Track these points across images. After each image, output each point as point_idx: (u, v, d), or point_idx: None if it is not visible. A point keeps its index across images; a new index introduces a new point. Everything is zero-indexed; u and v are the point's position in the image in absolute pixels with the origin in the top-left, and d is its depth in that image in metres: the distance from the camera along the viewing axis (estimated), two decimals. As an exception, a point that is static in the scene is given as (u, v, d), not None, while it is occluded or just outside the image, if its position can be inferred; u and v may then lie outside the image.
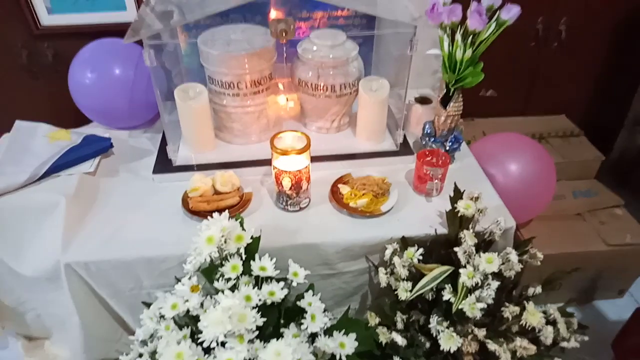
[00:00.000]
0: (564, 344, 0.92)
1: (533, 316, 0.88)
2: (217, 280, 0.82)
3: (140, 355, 0.87)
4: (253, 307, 0.79)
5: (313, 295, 0.88)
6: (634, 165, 1.65)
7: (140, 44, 0.98)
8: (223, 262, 0.83)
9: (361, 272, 1.05)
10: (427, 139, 1.17)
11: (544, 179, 1.19)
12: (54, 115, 1.28)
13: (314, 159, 1.05)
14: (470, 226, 0.96)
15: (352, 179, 1.11)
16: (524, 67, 1.65)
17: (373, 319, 0.96)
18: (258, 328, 0.79)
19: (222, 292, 0.80)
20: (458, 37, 1.00)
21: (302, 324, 0.83)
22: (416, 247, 0.95)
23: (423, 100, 1.31)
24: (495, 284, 0.89)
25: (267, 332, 0.83)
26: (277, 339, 0.78)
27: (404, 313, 0.95)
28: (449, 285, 0.91)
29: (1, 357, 1.23)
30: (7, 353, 1.22)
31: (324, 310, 0.86)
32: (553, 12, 1.52)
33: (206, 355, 0.78)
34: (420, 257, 0.94)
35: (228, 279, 0.82)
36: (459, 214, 0.95)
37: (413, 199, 1.09)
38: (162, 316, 0.84)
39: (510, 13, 0.97)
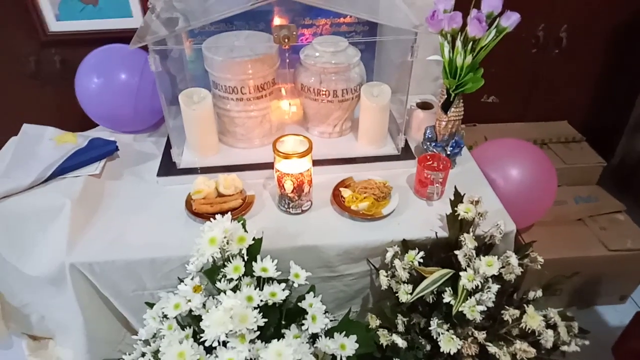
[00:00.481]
0: (565, 348, 0.92)
1: (533, 319, 0.89)
2: (219, 280, 0.83)
3: (143, 355, 0.88)
4: (254, 308, 0.80)
5: (314, 296, 0.89)
6: (636, 171, 1.66)
7: (145, 49, 1.00)
8: (225, 263, 0.84)
9: (362, 274, 1.06)
10: (428, 143, 1.18)
11: (544, 184, 1.20)
12: (61, 120, 1.30)
13: (316, 163, 1.06)
14: (471, 230, 0.97)
15: (353, 183, 1.12)
16: (526, 74, 1.66)
17: (374, 321, 0.97)
18: (259, 328, 0.80)
19: (224, 292, 0.81)
20: (458, 43, 1.01)
21: (303, 324, 0.84)
22: (417, 250, 0.96)
23: (424, 106, 1.32)
24: (495, 287, 0.89)
25: (269, 333, 0.84)
26: (278, 340, 0.79)
27: (405, 316, 0.96)
28: (450, 288, 0.92)
29: (5, 357, 1.24)
30: (11, 352, 1.23)
31: (325, 312, 0.87)
32: (554, 19, 1.54)
33: (208, 355, 0.79)
34: (421, 260, 0.95)
35: (230, 280, 0.83)
36: (460, 218, 0.96)
37: (414, 203, 1.10)
38: (165, 316, 0.85)
39: (510, 20, 0.99)
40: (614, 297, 1.45)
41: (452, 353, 0.88)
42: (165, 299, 0.86)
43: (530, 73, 1.66)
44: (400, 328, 0.95)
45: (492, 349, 0.88)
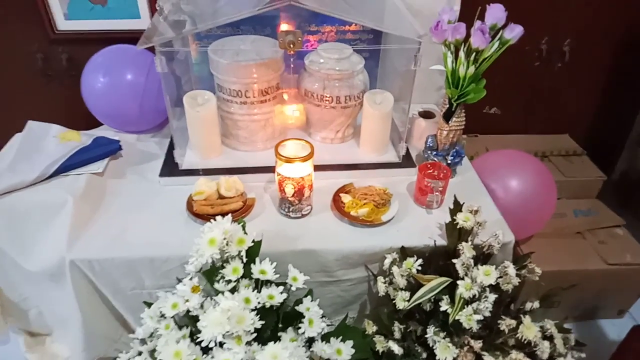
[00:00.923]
0: (560, 360, 0.93)
1: (529, 330, 0.89)
2: (218, 281, 0.84)
3: (140, 354, 0.88)
4: (252, 310, 0.80)
5: (311, 300, 0.89)
6: (636, 186, 1.66)
7: (152, 50, 1.02)
8: (224, 265, 0.85)
9: (360, 280, 1.06)
10: (429, 152, 1.19)
11: (544, 196, 1.21)
12: (67, 118, 1.31)
13: (317, 168, 1.07)
14: (469, 239, 0.98)
15: (354, 189, 1.13)
16: (529, 86, 1.67)
17: (370, 327, 0.97)
18: (256, 331, 0.80)
19: (222, 293, 0.81)
20: (462, 54, 1.02)
21: (299, 328, 0.84)
22: (415, 258, 0.97)
23: (426, 115, 1.33)
24: (492, 297, 0.89)
25: (265, 335, 0.84)
26: (275, 342, 0.79)
27: (402, 323, 0.96)
28: (447, 296, 0.92)
29: (2, 352, 1.24)
30: (8, 348, 1.23)
31: (322, 316, 0.88)
32: (557, 33, 1.55)
33: (204, 355, 0.80)
34: (419, 268, 0.96)
35: (228, 281, 0.83)
36: (458, 226, 0.96)
37: (413, 211, 1.11)
38: (162, 315, 0.85)
39: (514, 32, 1.00)
40: (612, 311, 1.44)
41: (447, 361, 0.88)
42: (164, 298, 0.86)
43: (533, 86, 1.67)
44: (397, 335, 0.95)
45: (488, 358, 0.88)
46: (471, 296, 0.89)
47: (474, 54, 1.01)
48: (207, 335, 0.76)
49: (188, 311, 0.83)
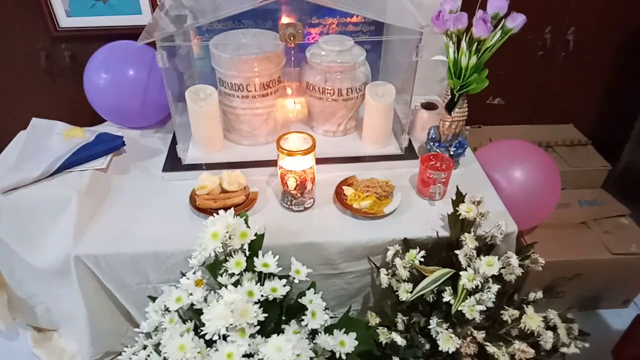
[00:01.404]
0: (564, 350, 0.92)
1: (532, 320, 0.89)
2: (221, 275, 0.84)
3: (145, 348, 0.89)
4: (255, 303, 0.81)
5: (314, 293, 0.89)
6: (641, 176, 1.65)
7: (154, 46, 1.02)
8: (227, 258, 0.85)
9: (363, 273, 1.07)
10: (431, 143, 1.18)
11: (548, 187, 1.20)
12: (71, 115, 1.32)
13: (320, 161, 1.07)
14: (472, 230, 0.97)
15: (356, 181, 1.13)
16: (532, 77, 1.66)
17: (373, 319, 0.98)
18: (260, 323, 0.81)
19: (226, 287, 0.82)
20: (463, 44, 1.02)
21: (302, 320, 0.85)
22: (418, 249, 0.97)
23: (429, 106, 1.32)
24: (495, 288, 0.89)
25: (269, 328, 0.85)
26: (278, 335, 0.80)
27: (405, 314, 0.96)
28: (450, 287, 0.92)
29: (11, 348, 1.26)
30: (16, 344, 1.25)
31: (325, 309, 0.88)
32: (561, 22, 1.54)
33: (208, 349, 0.80)
34: (422, 259, 0.96)
35: (231, 275, 0.84)
36: (461, 217, 0.96)
37: (416, 202, 1.11)
38: (167, 309, 0.86)
39: (516, 22, 0.99)
40: (617, 301, 1.44)
41: (450, 352, 0.88)
42: (168, 292, 0.87)
43: (536, 76, 1.66)
44: (400, 327, 0.96)
45: (490, 348, 0.88)
46: (474, 287, 0.89)
47: (476, 43, 1.01)
48: (211, 328, 0.77)
49: (192, 305, 0.84)
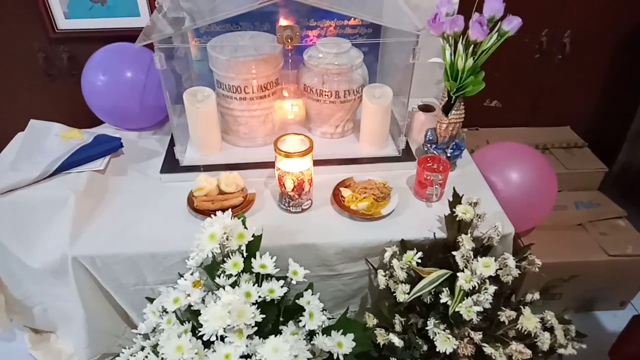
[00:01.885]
0: (561, 351, 0.93)
1: (529, 321, 0.89)
2: (219, 276, 0.84)
3: (142, 349, 0.89)
4: (253, 304, 0.81)
5: (312, 294, 0.89)
6: (637, 178, 1.65)
7: (152, 48, 1.02)
8: (225, 259, 0.85)
9: (361, 274, 1.07)
10: (428, 145, 1.19)
11: (544, 188, 1.21)
12: (69, 116, 1.32)
13: (317, 162, 1.08)
14: (469, 231, 0.98)
15: (354, 183, 1.13)
16: (529, 79, 1.67)
17: (371, 320, 0.98)
18: (257, 324, 0.81)
19: (223, 288, 0.82)
20: (460, 46, 1.02)
21: (300, 321, 0.85)
22: (415, 251, 0.97)
23: (426, 108, 1.33)
24: (492, 289, 0.90)
25: (266, 329, 0.85)
26: (276, 336, 0.80)
27: (402, 315, 0.97)
28: (447, 288, 0.92)
29: (8, 349, 1.26)
30: (13, 345, 1.25)
31: (323, 310, 0.88)
32: (557, 25, 1.54)
33: (206, 349, 0.80)
34: (419, 261, 0.96)
35: (229, 276, 0.84)
36: (458, 219, 0.96)
37: (413, 204, 1.11)
38: (164, 310, 0.86)
39: (512, 24, 1.00)
40: (614, 302, 1.44)
41: (448, 353, 0.88)
42: (165, 293, 0.87)
43: (533, 78, 1.66)
44: (398, 328, 0.96)
45: (488, 349, 0.88)
46: (471, 288, 0.89)
47: (472, 46, 1.01)
48: (208, 329, 0.77)
49: (190, 306, 0.84)
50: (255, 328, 0.81)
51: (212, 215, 0.87)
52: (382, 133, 1.23)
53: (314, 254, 1.01)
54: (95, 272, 1.00)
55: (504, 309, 0.91)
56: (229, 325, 0.77)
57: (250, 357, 0.78)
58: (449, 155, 1.17)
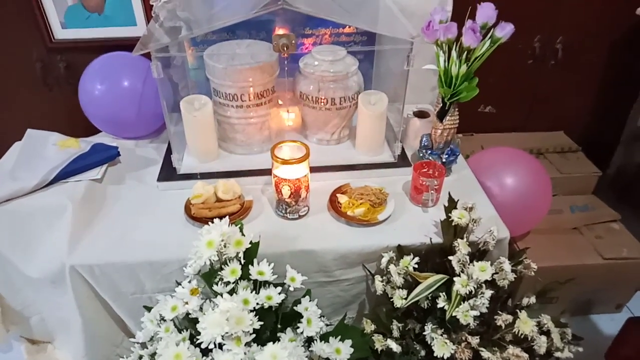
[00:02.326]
0: (558, 354, 0.93)
1: (525, 324, 0.90)
2: (216, 283, 0.84)
3: (140, 357, 0.89)
4: (251, 311, 0.81)
5: (310, 300, 0.90)
6: (631, 181, 1.67)
7: (148, 57, 1.03)
8: (222, 267, 0.85)
9: (358, 280, 1.07)
10: (424, 151, 1.20)
11: (539, 193, 1.22)
12: (66, 125, 1.32)
13: (314, 169, 1.08)
14: (465, 236, 0.98)
15: (350, 189, 1.14)
16: (523, 85, 1.68)
17: (369, 326, 0.98)
18: (255, 331, 0.81)
19: (221, 295, 0.82)
20: (454, 53, 1.04)
21: (298, 328, 0.85)
22: (412, 256, 0.97)
23: (421, 114, 1.34)
24: (488, 293, 0.90)
25: (264, 336, 0.85)
26: (274, 343, 0.80)
27: (400, 321, 0.97)
28: (444, 293, 0.93)
29: (4, 360, 1.25)
30: (10, 356, 1.24)
31: (321, 316, 0.88)
32: (550, 32, 1.57)
33: (204, 357, 0.80)
34: (416, 266, 0.96)
35: (227, 283, 0.84)
36: (453, 223, 0.97)
37: (410, 209, 1.12)
38: (162, 318, 0.86)
39: (504, 31, 1.01)
40: (609, 305, 1.45)
41: (445, 358, 0.88)
42: (163, 301, 0.87)
43: (527, 84, 1.68)
44: (395, 333, 0.96)
45: (485, 354, 0.89)
46: (468, 292, 0.90)
47: (466, 52, 1.03)
48: (206, 336, 0.77)
49: (187, 314, 0.84)
50: (253, 335, 0.81)
51: (210, 223, 0.87)
52: (377, 139, 1.24)
53: (312, 260, 1.02)
54: (93, 281, 1.00)
55: (500, 313, 0.91)
56: (227, 333, 0.77)
57: (248, 364, 0.78)
58: (444, 160, 1.18)
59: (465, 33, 1.00)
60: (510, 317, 0.90)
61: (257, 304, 0.82)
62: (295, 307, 0.88)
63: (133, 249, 1.00)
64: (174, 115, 1.20)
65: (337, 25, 1.31)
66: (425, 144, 1.20)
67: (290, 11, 0.98)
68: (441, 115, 1.14)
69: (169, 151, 1.23)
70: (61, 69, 1.47)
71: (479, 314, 0.89)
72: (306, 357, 0.82)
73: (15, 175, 1.10)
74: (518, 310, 0.93)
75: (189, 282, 0.87)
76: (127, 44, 1.25)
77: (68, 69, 1.47)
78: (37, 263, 1.01)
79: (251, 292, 0.84)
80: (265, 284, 0.86)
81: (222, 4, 1.24)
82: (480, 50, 1.03)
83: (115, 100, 1.25)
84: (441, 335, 0.90)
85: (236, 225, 0.90)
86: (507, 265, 0.92)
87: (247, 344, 0.80)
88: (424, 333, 0.93)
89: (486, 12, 1.01)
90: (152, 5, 1.27)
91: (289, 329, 0.87)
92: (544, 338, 0.91)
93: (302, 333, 0.84)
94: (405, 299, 0.94)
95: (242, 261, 0.86)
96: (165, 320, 0.86)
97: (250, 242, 0.89)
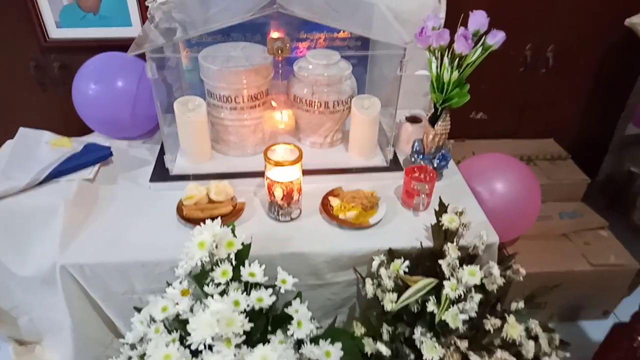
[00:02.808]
0: (546, 359, 0.94)
1: (514, 329, 0.91)
2: (207, 285, 0.84)
3: (130, 358, 0.88)
4: (241, 312, 0.81)
5: (300, 303, 0.90)
6: (620, 189, 1.69)
7: (143, 58, 1.03)
8: (214, 268, 0.86)
9: (349, 283, 1.08)
10: (416, 155, 1.21)
11: (528, 198, 1.23)
12: (60, 125, 1.32)
13: (307, 172, 1.09)
14: (455, 240, 0.99)
15: (342, 192, 1.14)
16: (514, 92, 1.70)
17: (359, 329, 0.98)
18: (245, 333, 0.81)
19: (212, 296, 0.82)
20: (446, 59, 1.05)
21: (288, 330, 0.85)
22: (402, 259, 0.98)
23: (413, 119, 1.35)
24: (478, 297, 0.91)
25: (255, 338, 0.85)
26: (264, 345, 0.80)
27: (390, 324, 0.97)
28: (434, 297, 0.93)
29: (-9, 360, 1.24)
30: (-3, 356, 1.23)
31: (312, 319, 0.89)
32: (541, 39, 1.59)
33: (194, 358, 0.80)
34: (406, 270, 0.97)
35: (218, 284, 0.84)
36: (444, 228, 0.98)
37: (401, 213, 1.12)
38: (152, 319, 0.86)
39: (496, 38, 1.03)
40: (597, 312, 1.47)
41: (434, 361, 0.89)
42: (154, 302, 0.87)
43: (518, 91, 1.70)
44: (385, 337, 0.96)
45: (474, 357, 0.89)
46: (457, 296, 0.90)
47: (458, 59, 1.04)
48: (196, 337, 0.77)
49: (178, 315, 0.84)
50: (244, 337, 0.81)
51: (202, 224, 0.87)
52: (370, 143, 1.25)
53: (303, 263, 1.02)
54: (83, 281, 1.00)
55: (489, 317, 0.92)
56: (217, 334, 0.77)
57: (238, 365, 0.78)
58: (435, 165, 1.19)
59: (458, 40, 1.01)
60: (499, 322, 0.91)
61: (248, 305, 0.82)
62: (285, 310, 0.88)
63: (125, 249, 1.00)
64: (168, 116, 1.20)
65: (332, 30, 1.32)
66: (417, 148, 1.21)
67: (285, 15, 0.98)
68: (433, 121, 1.15)
69: (162, 152, 1.23)
70: (55, 68, 1.46)
71: (468, 318, 0.90)
72: (296, 359, 0.82)
73: (7, 174, 1.09)
74: (507, 315, 0.94)
75: (180, 282, 0.87)
76: (122, 45, 1.25)
77: (62, 69, 1.46)
78: (28, 262, 1.01)
79: (242, 293, 0.84)
80: (256, 285, 0.86)
81: (217, 7, 1.24)
82: (472, 57, 1.04)
83: (109, 101, 1.25)
84: (430, 339, 0.91)
85: (228, 227, 0.90)
86: (496, 270, 0.93)
87: (237, 346, 0.80)
88: (414, 337, 0.93)
89: (478, 20, 1.02)
90: (148, 7, 1.28)
91: (279, 331, 0.87)
92: (532, 343, 0.92)
93: (292, 335, 0.85)
94: (396, 302, 0.94)
95: (234, 263, 0.87)
96: (155, 321, 0.85)
97: (242, 244, 0.89)
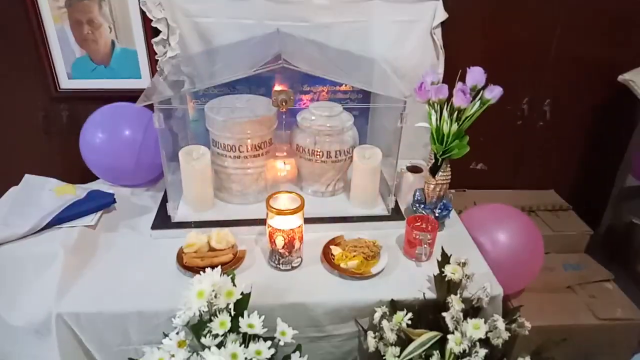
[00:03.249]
0: (555, 418, 0.90)
1: (521, 386, 0.87)
2: (205, 336, 0.82)
3: (121, 413, 0.85)
4: (239, 365, 0.79)
5: (300, 356, 0.87)
6: (621, 241, 1.68)
7: (150, 108, 1.06)
8: (212, 318, 0.84)
9: (350, 336, 1.05)
10: (417, 205, 1.22)
11: (532, 249, 1.22)
12: (66, 173, 1.33)
13: (308, 220, 1.09)
14: (458, 291, 0.98)
15: (344, 241, 1.14)
16: (513, 144, 1.74)
17: (360, 385, 0.95)
18: (243, 387, 0.78)
19: (209, 348, 0.80)
20: (445, 112, 1.08)
21: (287, 384, 0.82)
22: (405, 311, 0.96)
23: (414, 169, 1.37)
24: (483, 352, 0.88)
25: (252, 393, 0.82)
26: (262, 400, 0.77)
27: (393, 380, 0.94)
28: (437, 351, 0.91)
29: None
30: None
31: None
32: (537, 94, 1.64)
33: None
34: (409, 322, 0.95)
35: (215, 335, 0.82)
36: (447, 279, 0.97)
37: (403, 263, 1.11)
38: (147, 371, 0.83)
39: (493, 93, 1.07)
40: (608, 368, 1.41)
41: (439, 420, 0.85)
42: (149, 353, 0.84)
43: (517, 143, 1.73)
44: (388, 393, 0.93)
45: (480, 416, 0.85)
46: (461, 351, 0.88)
47: (457, 112, 1.07)
48: (192, 391, 0.74)
49: (174, 367, 0.81)
50: (241, 392, 0.78)
51: (202, 272, 0.87)
52: (372, 192, 1.26)
53: (303, 314, 1.00)
54: (79, 331, 0.97)
55: (495, 372, 0.89)
56: (214, 388, 0.75)
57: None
58: (437, 215, 1.19)
59: (456, 94, 1.05)
60: (505, 377, 0.88)
61: (246, 358, 0.80)
62: (285, 363, 0.86)
63: (122, 298, 0.98)
64: (172, 165, 1.22)
65: (334, 84, 1.37)
66: (419, 198, 1.22)
67: (289, 69, 1.03)
68: (434, 171, 1.17)
69: (164, 199, 1.24)
70: (63, 117, 1.50)
71: (473, 373, 0.87)
72: (295, 416, 0.79)
73: (9, 221, 1.10)
74: (513, 371, 0.91)
75: (177, 333, 0.85)
76: (129, 95, 1.29)
77: (70, 118, 1.50)
78: (22, 311, 0.98)
79: (240, 345, 0.82)
80: (255, 337, 0.84)
81: (224, 61, 1.30)
82: (471, 110, 1.07)
83: (116, 149, 1.28)
84: (435, 396, 0.88)
85: (228, 275, 0.89)
86: (500, 323, 0.91)
87: (234, 401, 0.77)
88: (418, 393, 0.90)
89: (475, 76, 1.06)
90: (158, 60, 1.33)
91: (278, 386, 0.84)
92: (540, 400, 0.88)
93: (291, 390, 0.82)
94: (398, 357, 0.91)
95: (233, 312, 0.85)
96: (150, 374, 0.83)
97: (242, 293, 0.87)
